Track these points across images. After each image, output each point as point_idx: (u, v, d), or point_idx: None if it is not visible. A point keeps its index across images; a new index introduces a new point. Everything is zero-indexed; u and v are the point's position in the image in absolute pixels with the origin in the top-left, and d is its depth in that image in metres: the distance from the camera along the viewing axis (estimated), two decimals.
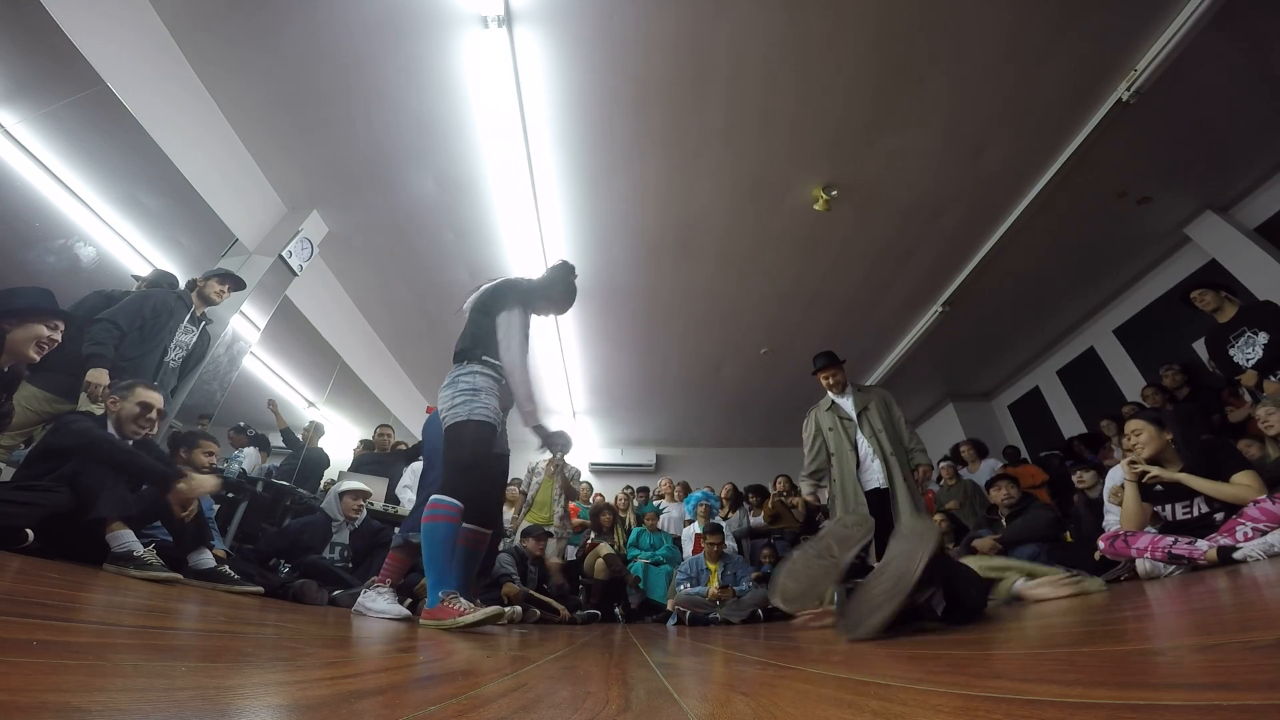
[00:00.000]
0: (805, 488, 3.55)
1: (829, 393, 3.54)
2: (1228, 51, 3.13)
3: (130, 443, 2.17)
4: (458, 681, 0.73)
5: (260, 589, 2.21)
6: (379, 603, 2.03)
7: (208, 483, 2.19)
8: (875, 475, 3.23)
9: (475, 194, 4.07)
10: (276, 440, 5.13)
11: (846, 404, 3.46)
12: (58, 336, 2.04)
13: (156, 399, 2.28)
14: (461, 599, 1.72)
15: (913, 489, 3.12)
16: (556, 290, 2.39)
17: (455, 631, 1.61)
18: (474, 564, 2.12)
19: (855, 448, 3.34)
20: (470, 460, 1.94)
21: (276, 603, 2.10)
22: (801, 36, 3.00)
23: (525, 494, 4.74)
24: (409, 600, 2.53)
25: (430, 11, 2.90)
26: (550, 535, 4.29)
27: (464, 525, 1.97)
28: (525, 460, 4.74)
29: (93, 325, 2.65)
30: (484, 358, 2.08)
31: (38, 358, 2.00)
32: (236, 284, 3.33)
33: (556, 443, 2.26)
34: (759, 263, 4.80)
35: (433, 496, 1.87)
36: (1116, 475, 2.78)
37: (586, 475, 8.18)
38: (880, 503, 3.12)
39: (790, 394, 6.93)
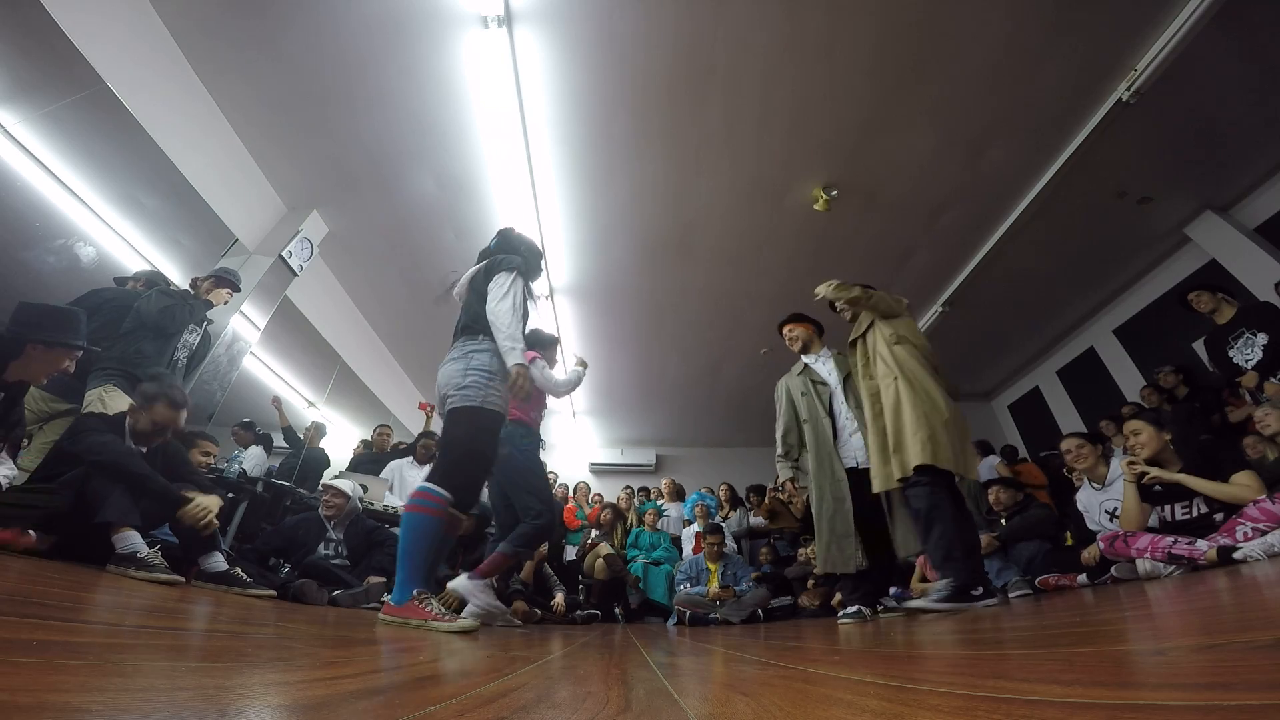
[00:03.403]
0: (782, 471, 2.99)
1: (800, 356, 3.16)
2: (1228, 51, 3.13)
3: (145, 450, 2.16)
4: (458, 681, 0.73)
5: (273, 592, 2.20)
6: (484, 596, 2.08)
7: (212, 503, 2.14)
8: (857, 450, 2.75)
9: (475, 194, 4.07)
10: (278, 439, 5.12)
11: (822, 367, 3.05)
12: (71, 368, 2.04)
13: (175, 418, 2.24)
14: (434, 601, 1.65)
15: None
16: (534, 256, 2.34)
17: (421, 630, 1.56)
18: (445, 550, 2.01)
19: (832, 415, 2.88)
20: (470, 449, 1.82)
21: (277, 603, 2.10)
22: (801, 36, 3.00)
23: None
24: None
25: (430, 12, 2.89)
26: None
27: None
28: None
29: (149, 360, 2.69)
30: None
31: (45, 382, 2.00)
32: (234, 287, 3.33)
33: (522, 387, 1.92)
34: (759, 262, 4.80)
35: (423, 484, 1.77)
36: (1114, 489, 2.79)
37: (586, 475, 8.19)
38: (862, 483, 2.66)
39: None
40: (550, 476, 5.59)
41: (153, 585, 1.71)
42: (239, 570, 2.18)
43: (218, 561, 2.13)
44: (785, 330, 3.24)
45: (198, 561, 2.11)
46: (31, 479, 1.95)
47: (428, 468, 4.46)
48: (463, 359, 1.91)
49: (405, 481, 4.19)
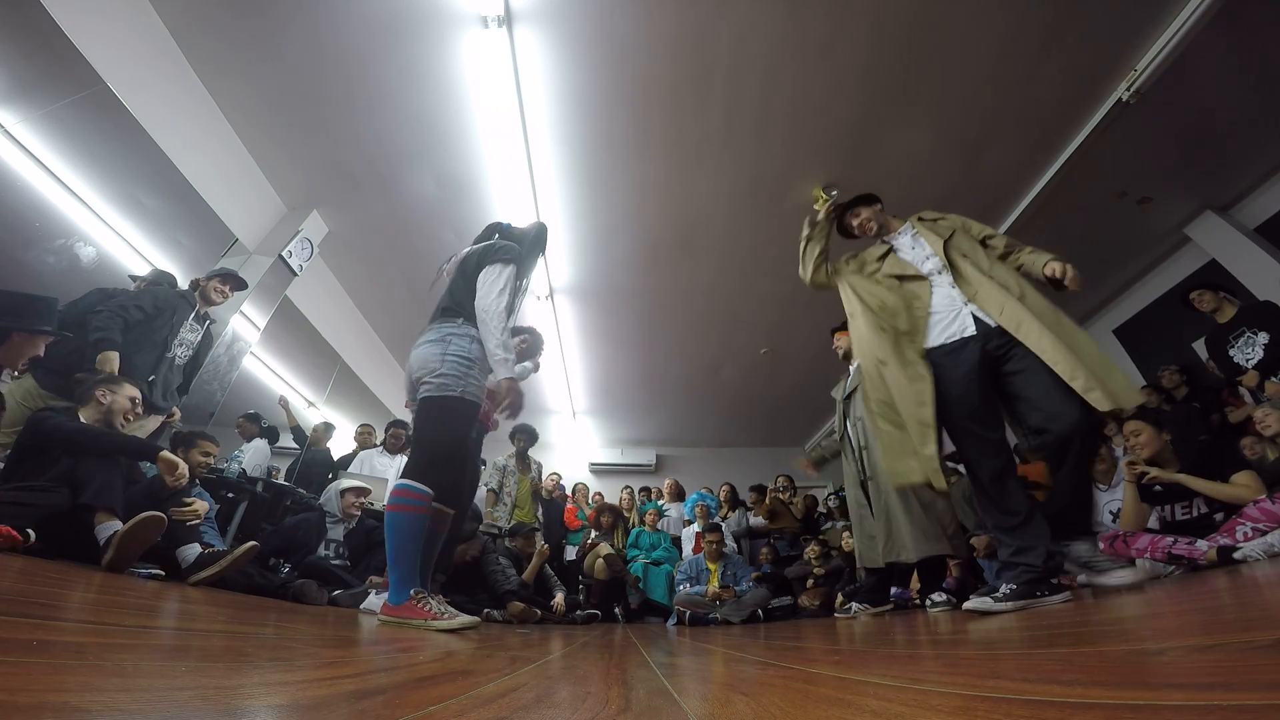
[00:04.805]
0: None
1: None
2: (1228, 51, 3.13)
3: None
4: (458, 681, 0.73)
5: (254, 544, 2.22)
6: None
7: (201, 508, 2.27)
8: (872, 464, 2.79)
9: (475, 194, 4.07)
10: (286, 439, 5.12)
11: (849, 379, 2.99)
12: (42, 352, 2.14)
13: (137, 393, 2.33)
14: (432, 600, 1.64)
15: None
16: (538, 245, 2.31)
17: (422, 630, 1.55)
18: (435, 546, 1.93)
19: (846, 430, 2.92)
20: (450, 445, 1.74)
21: (276, 603, 2.10)
22: (802, 36, 3.00)
23: (499, 494, 4.47)
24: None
25: (430, 12, 2.89)
26: (537, 531, 4.28)
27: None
28: (492, 460, 4.56)
29: (95, 314, 2.66)
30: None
31: (23, 366, 2.09)
32: (238, 284, 3.34)
33: (517, 403, 1.85)
34: (759, 263, 4.80)
35: (401, 482, 1.69)
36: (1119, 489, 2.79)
37: (585, 475, 8.19)
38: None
39: (791, 394, 6.92)
40: (551, 477, 5.59)
41: (151, 584, 1.71)
42: (213, 546, 2.24)
43: (192, 550, 2.17)
44: (835, 337, 3.21)
45: (176, 557, 2.14)
46: (3, 477, 1.95)
47: (399, 458, 4.53)
48: (440, 343, 1.79)
49: (375, 469, 4.37)
